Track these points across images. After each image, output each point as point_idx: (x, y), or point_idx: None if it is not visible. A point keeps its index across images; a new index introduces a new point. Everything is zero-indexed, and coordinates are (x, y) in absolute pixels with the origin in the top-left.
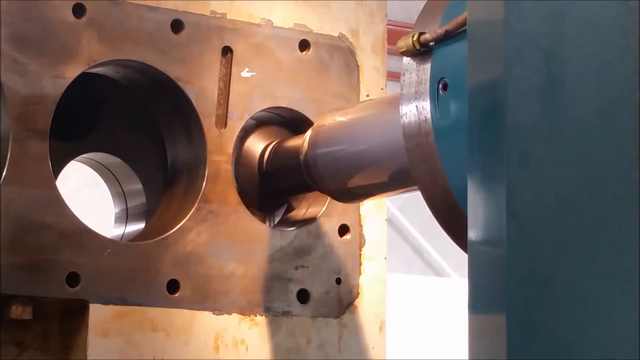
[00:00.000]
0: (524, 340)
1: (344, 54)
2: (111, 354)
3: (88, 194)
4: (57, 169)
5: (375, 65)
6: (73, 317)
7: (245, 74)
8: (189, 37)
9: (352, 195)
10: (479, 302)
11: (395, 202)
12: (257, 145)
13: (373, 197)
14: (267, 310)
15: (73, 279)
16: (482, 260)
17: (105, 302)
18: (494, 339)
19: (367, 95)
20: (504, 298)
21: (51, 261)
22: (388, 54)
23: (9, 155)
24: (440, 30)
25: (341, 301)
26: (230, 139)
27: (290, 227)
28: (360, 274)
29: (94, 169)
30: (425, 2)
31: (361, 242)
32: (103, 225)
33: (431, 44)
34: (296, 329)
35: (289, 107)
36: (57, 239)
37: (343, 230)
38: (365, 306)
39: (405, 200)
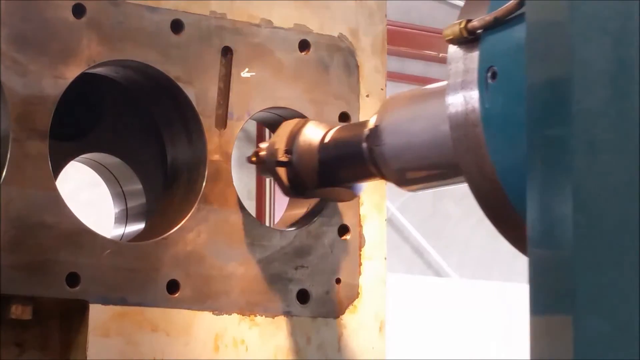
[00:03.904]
0: (591, 340)
1: (344, 54)
2: (111, 354)
3: (88, 194)
4: (57, 169)
5: (375, 65)
6: (73, 317)
7: (245, 74)
8: (189, 37)
9: (414, 183)
10: (542, 301)
11: (395, 202)
12: (315, 132)
13: (436, 187)
14: (267, 310)
15: (73, 279)
16: (545, 256)
17: (105, 302)
18: (560, 339)
19: (367, 96)
20: (571, 297)
21: (51, 261)
22: (388, 54)
23: (9, 155)
24: (488, 17)
25: (341, 301)
26: (231, 139)
27: (290, 227)
28: (360, 274)
29: (94, 169)
30: (425, 1)
31: (361, 242)
32: (103, 225)
33: (479, 31)
34: (296, 329)
35: (289, 107)
36: (57, 239)
37: (343, 230)
38: (365, 306)
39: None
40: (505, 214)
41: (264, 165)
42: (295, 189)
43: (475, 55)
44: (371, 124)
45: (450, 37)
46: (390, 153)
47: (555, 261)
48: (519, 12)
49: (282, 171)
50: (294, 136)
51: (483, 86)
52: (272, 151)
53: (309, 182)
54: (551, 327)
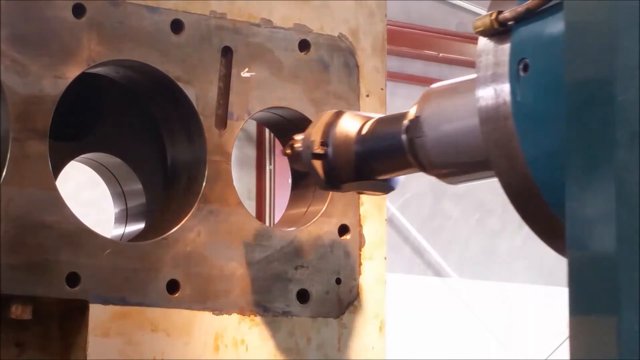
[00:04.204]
0: (637, 340)
1: (344, 54)
2: (111, 354)
3: (88, 194)
4: (57, 169)
5: (375, 65)
6: (73, 317)
7: (245, 74)
8: (189, 37)
9: (455, 175)
10: (583, 301)
11: (395, 202)
12: (352, 124)
13: (477, 180)
14: (267, 310)
15: (73, 279)
16: (586, 254)
17: (105, 302)
18: (603, 340)
19: (367, 96)
20: (615, 296)
21: (51, 261)
22: (388, 54)
23: (9, 155)
24: (520, 8)
25: (341, 301)
26: (231, 139)
27: (290, 227)
28: (360, 274)
29: (94, 169)
30: (425, 1)
31: (361, 242)
32: (103, 225)
33: (510, 23)
34: (296, 329)
35: (289, 107)
36: (57, 239)
37: (343, 230)
38: (365, 306)
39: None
40: (537, 210)
41: (299, 158)
42: (330, 182)
43: (506, 47)
44: (411, 114)
45: (481, 28)
46: (431, 144)
47: (597, 259)
48: (551, 3)
49: (317, 164)
50: (329, 128)
51: (514, 79)
52: (307, 143)
53: (344, 175)
54: (594, 327)
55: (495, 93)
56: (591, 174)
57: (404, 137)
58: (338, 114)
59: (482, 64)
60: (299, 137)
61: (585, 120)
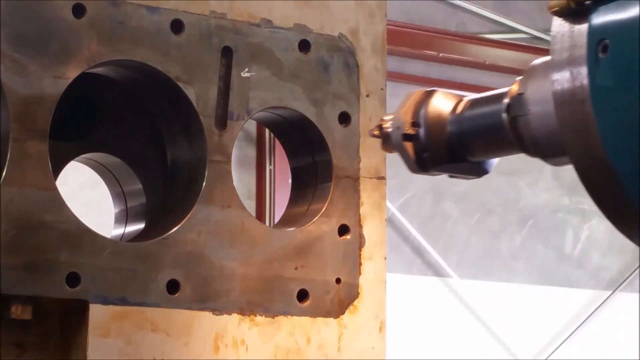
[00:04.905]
0: None
1: (344, 54)
2: (111, 354)
3: (88, 194)
4: (57, 169)
5: (375, 65)
6: (73, 317)
7: (245, 74)
8: (189, 37)
9: (559, 156)
10: None
11: (395, 202)
12: (445, 103)
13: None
14: (267, 310)
15: (73, 279)
16: None
17: (105, 302)
18: None
19: (367, 96)
20: None
21: (51, 261)
22: (388, 54)
23: (9, 155)
24: None
25: (341, 301)
26: (231, 139)
27: (290, 226)
28: (360, 274)
29: (94, 169)
30: (425, 1)
31: (361, 242)
32: (103, 225)
33: (587, 2)
34: (296, 329)
35: (289, 107)
36: (57, 239)
37: (343, 230)
38: (365, 306)
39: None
40: (615, 199)
41: (388, 139)
42: (421, 165)
43: (583, 28)
44: (513, 91)
45: (556, 8)
46: (536, 123)
47: None
48: None
49: (408, 145)
50: (420, 107)
51: (592, 61)
52: (397, 124)
53: (436, 157)
54: None
55: (571, 76)
56: None
57: (504, 115)
58: (429, 93)
59: (557, 47)
60: (387, 117)
61: None
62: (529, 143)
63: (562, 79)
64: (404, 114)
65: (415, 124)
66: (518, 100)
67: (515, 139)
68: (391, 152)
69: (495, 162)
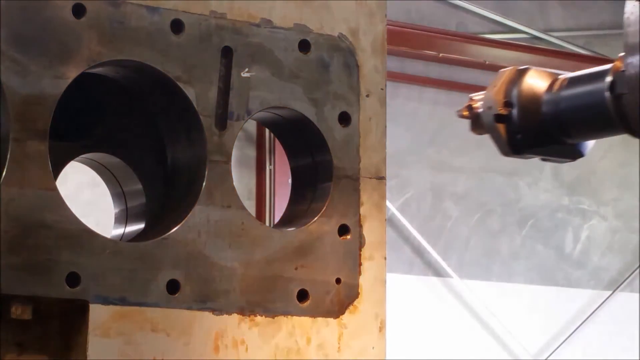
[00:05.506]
0: None
1: (344, 54)
2: (111, 354)
3: (88, 194)
4: (57, 169)
5: (375, 65)
6: (73, 317)
7: (245, 74)
8: (189, 37)
9: None
10: None
11: (395, 202)
12: (539, 82)
13: None
14: (267, 310)
15: (73, 279)
16: None
17: (105, 302)
18: None
19: (367, 96)
20: None
21: (51, 261)
22: (388, 54)
23: (9, 155)
24: None
25: (341, 301)
26: (230, 139)
27: (290, 226)
28: (360, 274)
29: (94, 169)
30: (425, 1)
31: (361, 242)
32: (103, 225)
33: None
34: (296, 329)
35: (289, 107)
36: (57, 239)
37: (343, 230)
38: (365, 306)
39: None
40: None
41: (478, 120)
42: (514, 147)
43: None
44: (617, 67)
45: None
46: None
47: None
48: None
49: (501, 127)
50: (512, 86)
51: None
52: (488, 103)
53: (531, 139)
54: None
55: None
56: None
57: (607, 94)
58: (522, 71)
59: (631, 30)
60: (477, 96)
61: None
62: (633, 122)
63: (635, 62)
64: (496, 94)
65: (508, 104)
66: (622, 77)
67: (618, 119)
68: (480, 133)
69: (591, 144)
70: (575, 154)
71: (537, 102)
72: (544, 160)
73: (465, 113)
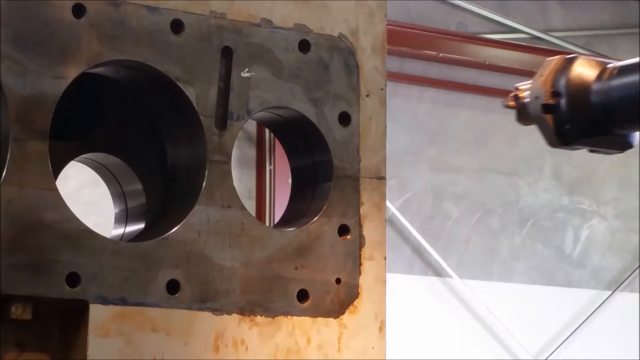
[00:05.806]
0: None
1: (344, 54)
2: (111, 354)
3: (88, 194)
4: (57, 169)
5: (375, 65)
6: (73, 317)
7: (245, 74)
8: (189, 37)
9: None
10: None
11: (395, 202)
12: (588, 71)
13: None
14: (267, 310)
15: (73, 279)
16: None
17: (105, 302)
18: None
19: (367, 96)
20: None
21: (51, 261)
22: (388, 54)
23: (9, 155)
24: None
25: (341, 301)
26: (230, 139)
27: (290, 226)
28: (360, 274)
29: (94, 169)
30: (425, 1)
31: (361, 242)
32: (103, 225)
33: None
34: (296, 329)
35: (289, 107)
36: (57, 239)
37: (343, 230)
38: (365, 306)
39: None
40: None
41: (525, 110)
42: (562, 138)
43: None
44: None
45: None
46: None
47: None
48: None
49: (548, 117)
50: (560, 75)
51: None
52: (536, 93)
53: (580, 130)
54: None
55: None
56: None
57: None
58: (570, 60)
59: None
60: (524, 86)
61: None
62: None
63: None
64: (544, 83)
65: (555, 94)
66: None
67: None
68: (527, 124)
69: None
70: (624, 145)
71: (586, 91)
72: (592, 151)
73: (512, 103)
